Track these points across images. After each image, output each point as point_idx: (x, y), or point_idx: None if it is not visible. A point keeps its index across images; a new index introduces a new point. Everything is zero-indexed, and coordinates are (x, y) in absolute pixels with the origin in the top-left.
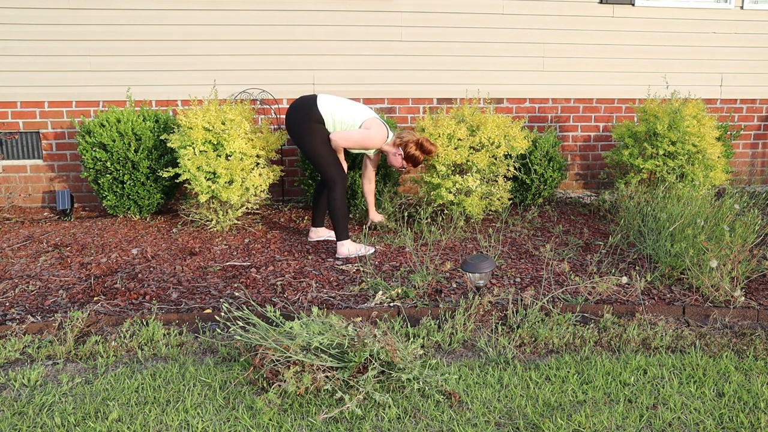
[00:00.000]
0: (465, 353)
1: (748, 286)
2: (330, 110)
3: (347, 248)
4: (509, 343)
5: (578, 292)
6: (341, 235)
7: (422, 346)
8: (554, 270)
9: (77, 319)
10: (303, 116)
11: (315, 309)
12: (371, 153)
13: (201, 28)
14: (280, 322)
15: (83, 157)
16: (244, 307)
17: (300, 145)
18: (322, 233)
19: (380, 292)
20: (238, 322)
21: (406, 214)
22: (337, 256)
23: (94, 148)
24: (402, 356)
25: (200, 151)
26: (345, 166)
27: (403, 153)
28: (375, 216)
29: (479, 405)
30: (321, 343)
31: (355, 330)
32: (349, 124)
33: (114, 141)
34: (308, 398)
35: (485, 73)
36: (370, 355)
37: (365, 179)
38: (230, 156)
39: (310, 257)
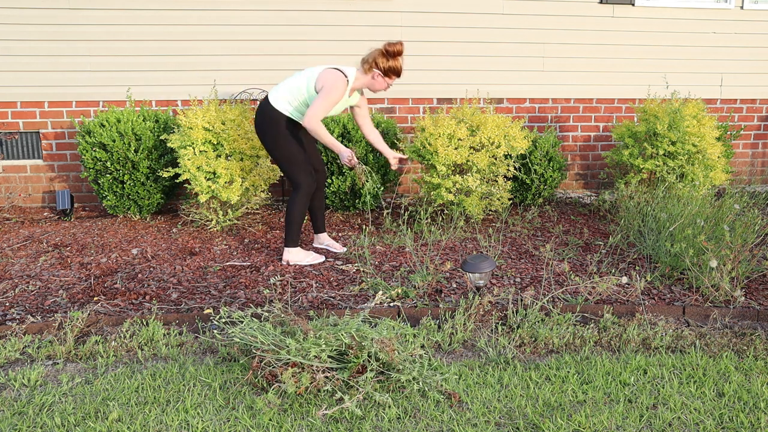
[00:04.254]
0: (465, 353)
1: (748, 286)
2: (283, 99)
3: (294, 256)
4: (509, 343)
5: (578, 292)
6: (291, 242)
7: (422, 346)
8: (554, 270)
9: (77, 319)
10: (263, 119)
11: (311, 334)
12: (355, 100)
13: (201, 28)
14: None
15: (83, 157)
16: (244, 308)
17: (268, 151)
18: (323, 240)
19: (380, 292)
20: (239, 322)
21: (406, 214)
22: (282, 261)
23: (94, 148)
24: (401, 357)
25: (200, 151)
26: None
27: (380, 71)
28: (391, 153)
29: (479, 405)
30: (318, 355)
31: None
32: (306, 95)
33: (114, 141)
34: (308, 398)
35: (485, 73)
36: (368, 356)
37: (365, 130)
38: (230, 156)
39: None
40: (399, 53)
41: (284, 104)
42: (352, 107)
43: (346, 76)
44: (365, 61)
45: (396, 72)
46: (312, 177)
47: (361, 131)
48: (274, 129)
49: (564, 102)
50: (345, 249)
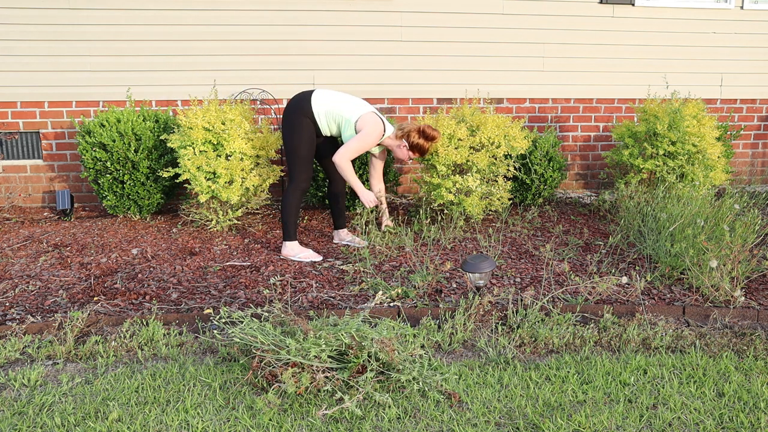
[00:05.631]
0: (465, 353)
1: (748, 286)
2: (322, 107)
3: (291, 249)
4: (509, 343)
5: (578, 292)
6: (288, 236)
7: (422, 346)
8: (554, 270)
9: (77, 319)
10: (295, 109)
11: (311, 334)
12: (376, 151)
13: (201, 28)
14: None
15: (83, 157)
16: (244, 308)
17: (283, 137)
18: (344, 236)
19: (380, 292)
20: (239, 323)
21: (406, 214)
22: (281, 255)
23: (94, 148)
24: (401, 357)
25: (200, 151)
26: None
27: (407, 144)
28: (386, 221)
29: (479, 405)
30: (318, 355)
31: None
32: (344, 120)
33: (114, 141)
34: (308, 398)
35: (485, 73)
36: (368, 356)
37: (373, 180)
38: (230, 156)
39: None
40: (432, 139)
41: (320, 109)
42: (371, 153)
43: (384, 131)
44: (401, 128)
45: (420, 150)
46: (309, 176)
47: (371, 179)
48: (298, 119)
49: (564, 102)
50: (366, 243)
